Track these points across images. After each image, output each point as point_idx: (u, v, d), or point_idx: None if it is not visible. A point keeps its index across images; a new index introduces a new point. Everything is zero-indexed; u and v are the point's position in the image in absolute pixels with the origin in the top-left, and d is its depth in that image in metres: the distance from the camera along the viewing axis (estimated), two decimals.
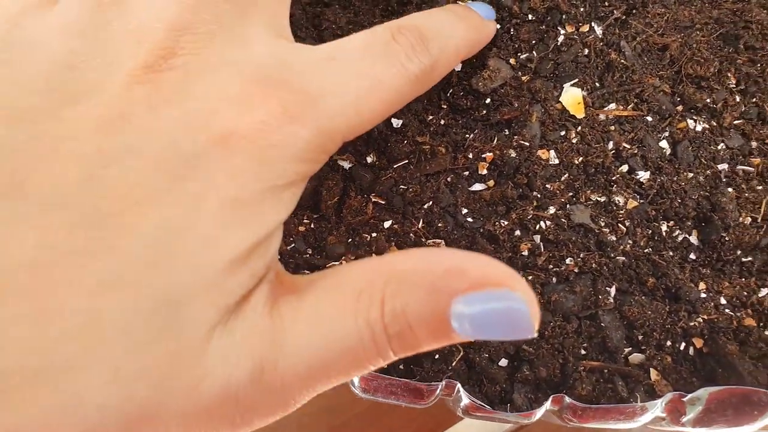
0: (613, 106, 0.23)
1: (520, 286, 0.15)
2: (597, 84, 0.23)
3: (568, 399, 0.20)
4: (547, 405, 0.20)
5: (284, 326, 0.16)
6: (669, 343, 0.22)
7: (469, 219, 0.23)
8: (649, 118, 0.23)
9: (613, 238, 0.22)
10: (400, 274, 0.16)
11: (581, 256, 0.22)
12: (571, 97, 0.23)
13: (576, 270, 0.22)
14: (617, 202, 0.23)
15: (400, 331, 0.15)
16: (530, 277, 0.22)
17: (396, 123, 0.23)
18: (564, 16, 0.24)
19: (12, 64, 0.15)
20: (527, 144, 0.23)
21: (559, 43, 0.24)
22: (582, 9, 0.24)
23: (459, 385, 0.20)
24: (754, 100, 0.23)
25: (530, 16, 0.24)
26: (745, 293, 0.22)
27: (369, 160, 0.24)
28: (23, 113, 0.15)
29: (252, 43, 0.16)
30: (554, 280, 0.22)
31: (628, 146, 0.23)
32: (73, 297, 0.13)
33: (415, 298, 0.15)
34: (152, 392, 0.14)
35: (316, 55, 0.17)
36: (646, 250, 0.23)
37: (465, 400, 0.20)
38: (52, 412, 0.13)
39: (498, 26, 0.24)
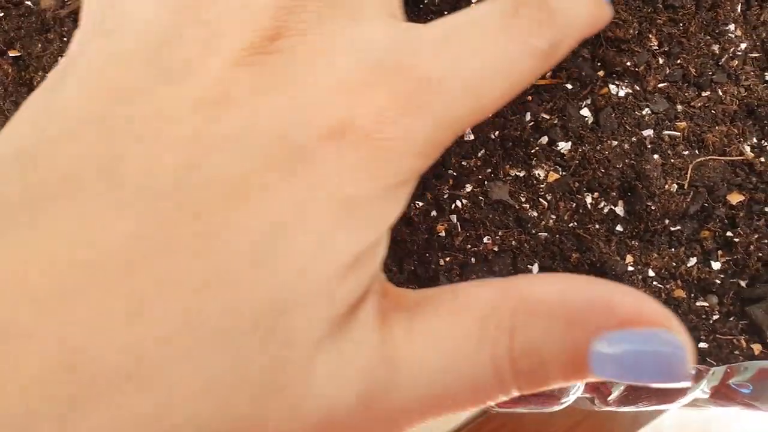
0: None
1: (678, 327, 0.13)
2: None
3: None
4: None
5: (397, 348, 0.14)
6: None
7: None
8: (569, 86, 0.22)
9: (535, 214, 0.21)
10: (532, 302, 0.14)
11: (500, 234, 0.21)
12: None
13: (495, 249, 0.21)
14: (537, 175, 0.22)
15: (529, 367, 0.14)
16: (448, 259, 0.21)
17: None
18: None
19: (112, 36, 0.14)
20: None
21: None
22: None
23: None
24: (678, 61, 0.22)
25: None
26: (674, 264, 0.21)
27: None
28: (120, 90, 0.13)
29: (364, 24, 0.15)
30: (473, 260, 0.21)
31: (547, 117, 0.22)
32: (168, 296, 0.12)
33: (550, 333, 0.13)
34: (249, 409, 0.12)
35: (432, 34, 0.15)
36: (570, 225, 0.22)
37: None
38: (138, 419, 0.12)
39: None
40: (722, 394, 0.19)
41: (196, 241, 0.12)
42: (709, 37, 0.22)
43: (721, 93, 0.22)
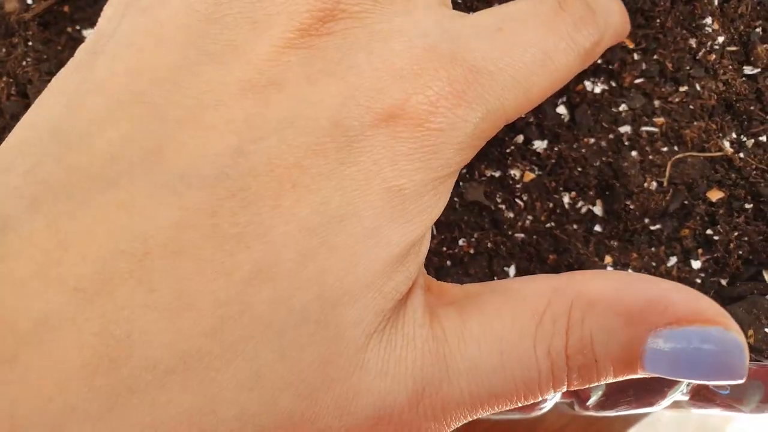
0: None
1: (733, 326, 0.13)
2: None
3: None
4: None
5: (449, 343, 0.14)
6: None
7: None
8: None
9: (511, 215, 0.21)
10: (588, 299, 0.14)
11: (475, 236, 0.21)
12: None
13: (471, 251, 0.21)
14: (513, 175, 0.21)
15: (583, 363, 0.14)
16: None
17: None
18: None
19: (148, 12, 0.13)
20: None
21: None
22: None
23: None
24: (655, 56, 0.22)
25: None
26: (654, 264, 0.21)
27: None
28: (160, 70, 0.13)
29: (418, 10, 0.15)
30: (448, 263, 0.21)
31: (522, 115, 0.21)
32: (215, 287, 0.12)
33: (606, 329, 0.13)
34: (297, 404, 0.12)
35: (483, 24, 0.15)
36: (547, 225, 0.21)
37: None
38: (183, 416, 0.11)
39: None
40: (702, 396, 0.19)
41: (245, 231, 0.12)
42: (685, 31, 0.22)
43: (698, 88, 0.21)
